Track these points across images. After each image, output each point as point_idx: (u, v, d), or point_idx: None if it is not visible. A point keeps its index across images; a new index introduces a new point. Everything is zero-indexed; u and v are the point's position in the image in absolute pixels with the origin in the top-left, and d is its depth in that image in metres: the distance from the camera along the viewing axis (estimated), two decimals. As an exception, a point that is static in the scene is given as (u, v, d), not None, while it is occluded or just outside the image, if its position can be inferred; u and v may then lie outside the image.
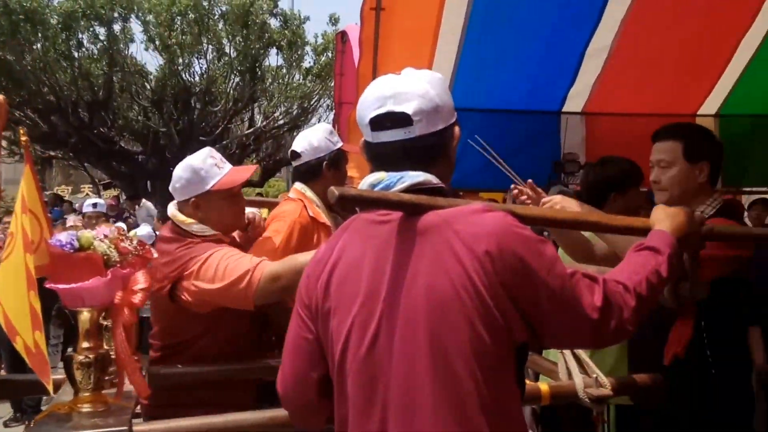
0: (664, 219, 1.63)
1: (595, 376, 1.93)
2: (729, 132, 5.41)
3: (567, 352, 2.00)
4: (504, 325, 1.27)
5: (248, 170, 2.51)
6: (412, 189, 1.37)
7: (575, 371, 1.94)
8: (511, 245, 1.28)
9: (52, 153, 20.24)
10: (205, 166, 2.35)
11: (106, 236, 1.72)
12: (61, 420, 1.58)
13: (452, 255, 1.27)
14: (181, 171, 2.38)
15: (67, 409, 1.61)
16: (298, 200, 2.80)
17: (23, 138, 1.78)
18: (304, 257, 2.08)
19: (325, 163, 2.79)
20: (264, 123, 19.60)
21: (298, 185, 2.86)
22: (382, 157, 1.41)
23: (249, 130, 19.70)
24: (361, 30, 4.60)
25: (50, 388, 1.61)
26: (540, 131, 5.31)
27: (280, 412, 1.65)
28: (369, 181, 1.41)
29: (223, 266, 2.15)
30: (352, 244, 1.41)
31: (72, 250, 1.64)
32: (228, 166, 2.43)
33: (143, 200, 13.30)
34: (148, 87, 18.83)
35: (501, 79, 5.00)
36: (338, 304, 1.38)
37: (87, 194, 21.46)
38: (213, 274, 2.15)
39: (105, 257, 1.67)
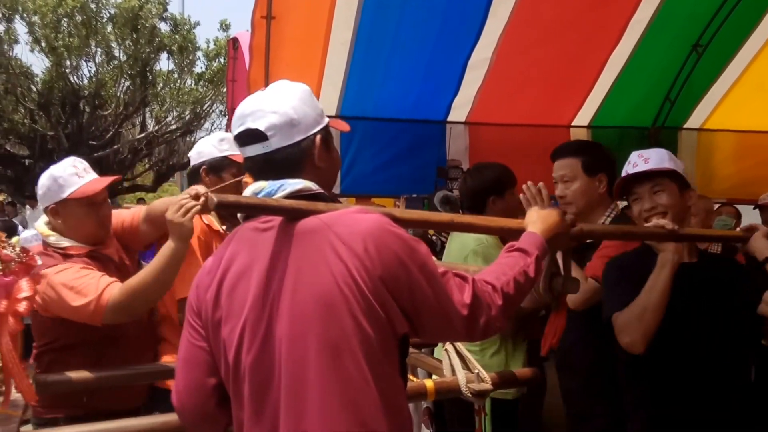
0: (536, 220, 1.70)
1: (476, 371, 1.99)
2: (601, 142, 5.74)
3: (451, 350, 2.05)
4: (386, 318, 1.32)
5: (106, 180, 2.44)
6: (293, 195, 1.40)
7: (458, 368, 1.99)
8: (386, 243, 1.32)
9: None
10: (64, 174, 2.33)
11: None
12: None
13: (334, 254, 1.30)
14: (43, 179, 2.36)
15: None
16: None
17: None
18: (135, 280, 2.15)
19: (203, 167, 2.73)
20: (156, 128, 18.88)
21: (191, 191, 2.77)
22: (252, 169, 1.46)
23: (141, 135, 18.92)
24: (252, 37, 4.53)
25: None
26: (426, 139, 5.43)
27: (172, 417, 1.59)
28: (252, 189, 1.44)
29: (69, 287, 2.13)
30: (238, 252, 1.41)
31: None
32: (90, 176, 2.39)
33: (38, 205, 12.52)
34: (35, 89, 17.68)
35: (389, 89, 5.08)
36: (228, 312, 1.37)
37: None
38: (59, 294, 2.12)
39: (-9, 266, 1.56)
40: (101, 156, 17.84)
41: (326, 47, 4.65)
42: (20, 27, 17.24)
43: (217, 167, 2.72)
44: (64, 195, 2.32)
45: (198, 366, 1.43)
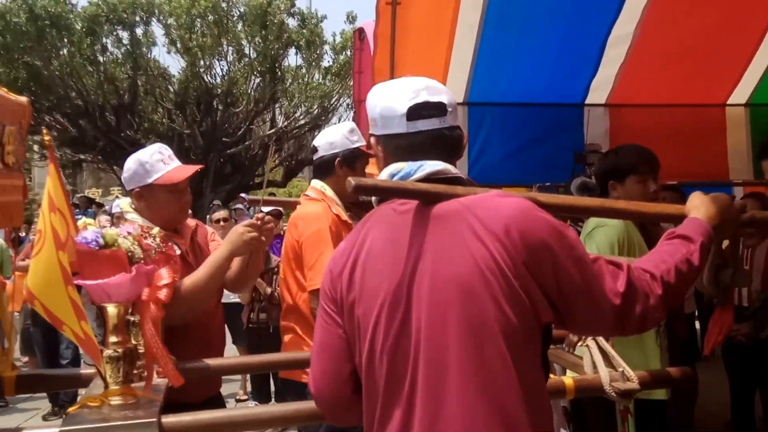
0: (699, 206, 1.59)
1: (621, 369, 1.89)
2: (761, 122, 5.31)
3: (593, 345, 1.96)
4: (529, 305, 1.28)
5: (191, 169, 2.54)
6: (430, 178, 1.39)
7: (601, 365, 1.90)
8: (531, 227, 1.29)
9: (82, 156, 20.53)
10: (151, 160, 2.43)
11: (129, 233, 1.73)
12: (92, 412, 1.59)
13: (475, 238, 1.28)
14: (129, 163, 2.47)
15: (98, 402, 1.62)
16: (321, 200, 2.78)
17: (46, 138, 1.78)
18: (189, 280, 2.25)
19: (338, 159, 2.77)
20: (285, 123, 19.69)
21: (316, 183, 2.84)
22: (410, 147, 1.42)
23: (271, 131, 19.81)
24: (376, 25, 4.58)
25: (101, 368, 1.66)
26: (562, 124, 5.25)
27: (304, 405, 1.64)
28: (389, 171, 1.43)
29: None
30: (374, 234, 1.42)
31: (97, 247, 1.65)
32: (174, 163, 2.49)
33: None
34: (172, 90, 19.02)
35: (520, 72, 4.96)
36: (362, 295, 1.38)
37: (116, 196, 21.72)
38: None
39: (129, 254, 1.68)
40: (233, 153, 18.88)
41: (453, 31, 4.62)
42: (157, 29, 18.63)
43: (351, 159, 2.77)
44: (150, 180, 2.42)
45: (334, 352, 1.45)
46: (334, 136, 2.80)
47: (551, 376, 2.07)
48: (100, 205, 14.20)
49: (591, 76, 5.06)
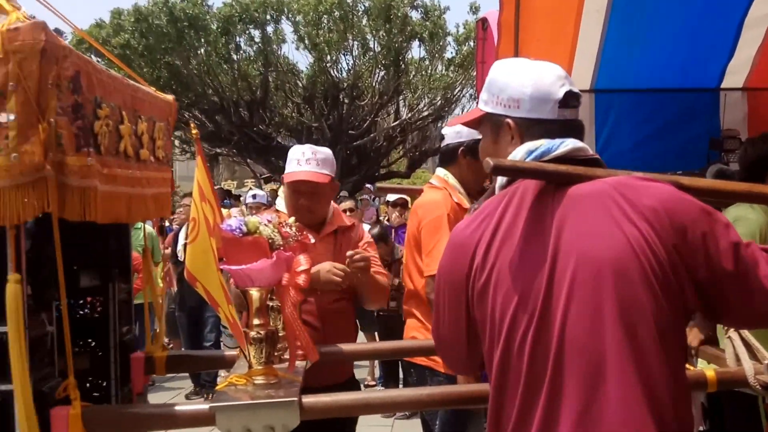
0: None
1: (766, 362, 1.78)
2: None
3: (735, 338, 1.86)
4: (678, 291, 1.24)
5: (312, 176, 2.57)
6: (570, 156, 1.36)
7: (744, 357, 1.80)
8: (682, 211, 1.25)
9: (218, 150, 21.71)
10: (290, 156, 2.64)
11: (269, 221, 1.83)
12: (238, 390, 1.71)
13: (626, 219, 1.24)
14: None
15: (243, 381, 1.74)
16: (442, 188, 2.81)
17: (194, 132, 1.91)
18: None
19: (461, 149, 2.78)
20: (409, 115, 19.84)
21: (440, 171, 2.87)
22: (552, 135, 1.39)
23: (395, 123, 20.03)
24: (500, 13, 4.51)
25: (246, 351, 1.77)
26: (696, 109, 4.96)
27: (437, 390, 1.67)
28: (526, 147, 1.39)
29: None
30: (510, 213, 1.36)
31: (241, 235, 1.76)
32: (307, 167, 2.58)
33: None
34: (300, 84, 19.67)
35: (651, 56, 4.71)
36: (499, 277, 1.32)
37: (250, 188, 22.81)
38: None
39: (270, 241, 1.78)
40: (359, 145, 19.27)
41: (579, 17, 4.46)
42: (286, 27, 19.31)
43: (475, 149, 2.76)
44: (284, 174, 2.63)
45: (459, 336, 1.45)
46: (462, 126, 2.81)
47: (690, 368, 1.98)
48: (237, 197, 14.99)
49: (727, 60, 4.73)
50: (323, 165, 2.59)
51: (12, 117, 1.54)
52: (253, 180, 24.05)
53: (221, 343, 6.52)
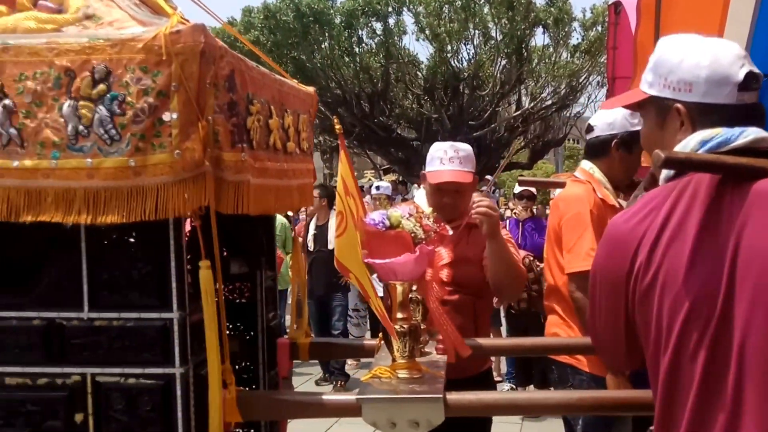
0: None
1: None
2: None
3: None
4: None
5: (457, 176, 2.55)
6: (750, 148, 1.23)
7: None
8: None
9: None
10: (433, 152, 2.63)
11: (411, 215, 1.83)
12: (382, 383, 1.74)
13: None
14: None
15: (387, 374, 1.76)
16: (586, 182, 2.70)
17: (338, 127, 1.95)
18: None
19: (615, 141, 2.66)
20: (531, 104, 19.42)
21: (585, 164, 2.76)
22: (729, 123, 1.27)
23: (516, 113, 19.68)
24: (640, -5, 4.29)
25: (397, 342, 1.79)
26: None
27: (587, 394, 1.62)
28: (699, 137, 1.28)
29: None
30: (680, 211, 1.26)
31: (384, 228, 1.78)
32: (450, 165, 2.58)
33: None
34: (420, 76, 19.74)
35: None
36: (666, 278, 1.24)
37: (369, 179, 23.20)
38: None
39: (412, 234, 1.79)
40: (479, 135, 19.10)
41: (727, -2, 4.16)
42: (407, 18, 19.42)
43: (629, 142, 2.65)
44: (425, 170, 2.65)
45: (617, 336, 1.37)
46: (614, 117, 2.69)
47: None
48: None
49: None
50: (465, 163, 2.60)
51: (174, 116, 1.64)
52: (372, 171, 24.44)
53: (349, 333, 6.69)
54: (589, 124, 2.79)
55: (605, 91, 11.23)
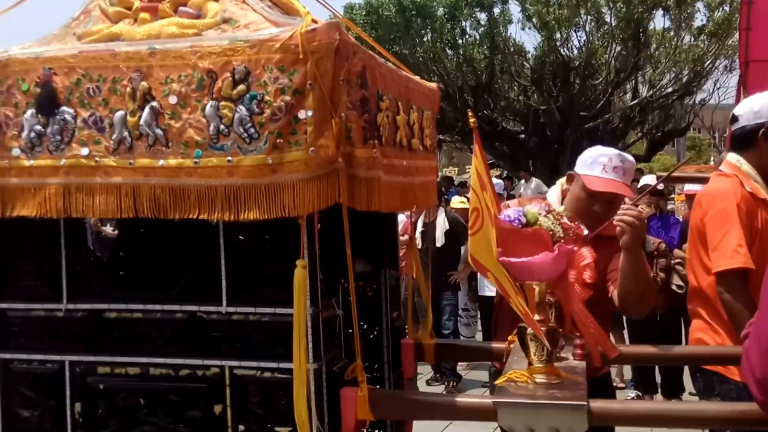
0: None
1: None
2: None
3: None
4: None
5: (620, 189, 2.47)
6: None
7: None
8: None
9: (441, 137, 22.21)
10: (596, 155, 2.53)
11: (549, 212, 1.81)
12: (518, 387, 1.74)
13: None
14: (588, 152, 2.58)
15: (523, 378, 1.75)
16: (733, 176, 2.58)
17: (472, 120, 1.96)
18: None
19: (762, 130, 2.52)
20: (650, 93, 18.66)
21: (731, 156, 2.63)
22: None
23: (633, 102, 18.97)
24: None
25: (545, 341, 1.77)
26: None
27: (748, 408, 1.54)
28: None
29: None
30: None
31: (520, 226, 1.77)
32: (613, 175, 2.49)
33: (533, 178, 14.12)
34: (527, 66, 19.39)
35: None
36: None
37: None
38: None
39: (550, 233, 1.77)
40: (591, 127, 18.57)
41: None
42: (513, 7, 19.12)
43: None
44: (581, 171, 2.52)
45: None
46: (760, 104, 2.56)
47: None
48: (462, 184, 15.23)
49: None
50: (628, 175, 2.54)
51: (310, 113, 1.71)
52: (476, 166, 24.24)
53: (460, 334, 6.69)
54: (733, 114, 2.65)
55: (737, 76, 10.63)
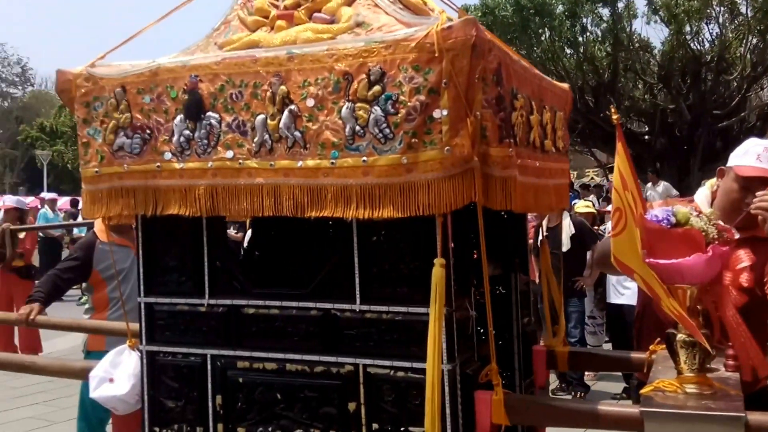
0: None
1: None
2: None
3: None
4: None
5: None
6: None
7: None
8: None
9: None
10: (752, 146, 2.33)
11: (700, 212, 1.71)
12: (667, 397, 1.65)
13: None
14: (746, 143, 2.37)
15: (672, 387, 1.66)
16: None
17: (614, 117, 1.88)
18: None
19: None
20: (791, 88, 17.40)
21: None
22: None
23: (771, 98, 17.76)
24: None
25: (706, 345, 1.67)
26: None
27: None
28: None
29: None
30: None
31: (669, 226, 1.68)
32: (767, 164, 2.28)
33: (660, 181, 13.58)
34: (654, 62, 18.58)
35: None
36: None
37: (591, 178, 22.32)
38: None
39: (703, 233, 1.67)
40: (725, 126, 17.54)
41: None
42: (638, 0, 18.36)
43: None
44: (732, 162, 2.33)
45: None
46: None
47: None
48: (586, 186, 14.78)
49: None
50: None
51: (445, 112, 1.70)
52: (596, 169, 23.46)
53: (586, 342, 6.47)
54: None
55: None
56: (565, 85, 2.55)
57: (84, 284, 4.13)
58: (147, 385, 2.18)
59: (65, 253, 12.01)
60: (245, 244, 4.84)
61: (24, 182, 41.77)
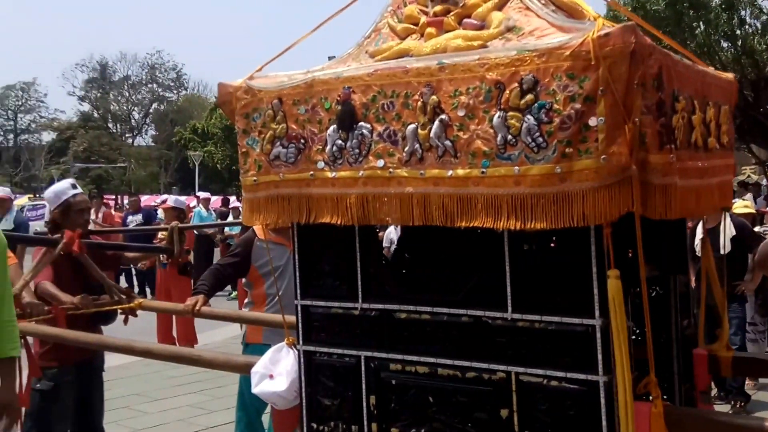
0: None
1: None
2: None
3: None
4: None
5: None
6: None
7: None
8: None
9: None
10: None
11: None
12: None
13: None
14: None
15: None
16: None
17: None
18: None
19: None
20: None
21: None
22: None
23: None
24: None
25: None
26: None
27: None
28: None
29: None
30: None
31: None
32: None
33: None
34: None
35: None
36: None
37: (749, 176, 20.81)
38: None
39: None
40: None
41: None
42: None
43: None
44: None
45: None
46: None
47: None
48: (744, 185, 13.77)
49: None
50: None
51: (601, 120, 1.66)
52: (753, 167, 21.81)
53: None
54: None
55: None
56: (730, 75, 2.41)
57: (244, 280, 4.40)
58: (304, 383, 2.28)
59: (217, 251, 12.72)
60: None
61: (177, 182, 44.80)
